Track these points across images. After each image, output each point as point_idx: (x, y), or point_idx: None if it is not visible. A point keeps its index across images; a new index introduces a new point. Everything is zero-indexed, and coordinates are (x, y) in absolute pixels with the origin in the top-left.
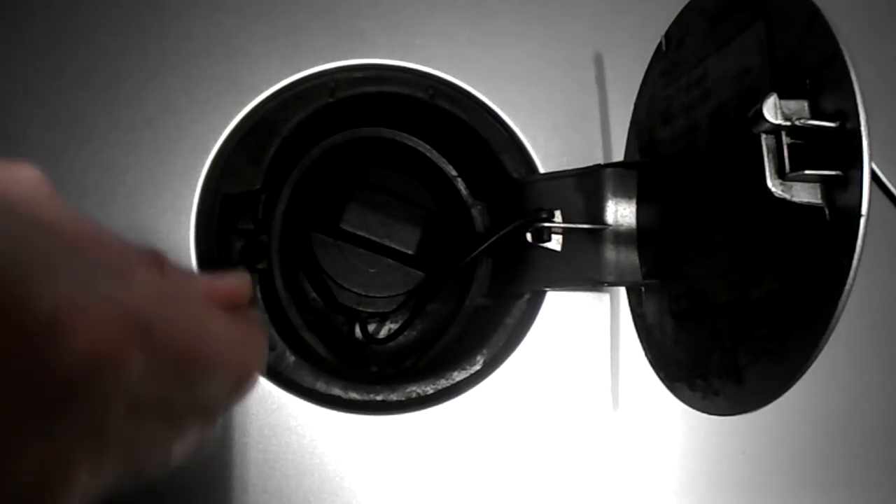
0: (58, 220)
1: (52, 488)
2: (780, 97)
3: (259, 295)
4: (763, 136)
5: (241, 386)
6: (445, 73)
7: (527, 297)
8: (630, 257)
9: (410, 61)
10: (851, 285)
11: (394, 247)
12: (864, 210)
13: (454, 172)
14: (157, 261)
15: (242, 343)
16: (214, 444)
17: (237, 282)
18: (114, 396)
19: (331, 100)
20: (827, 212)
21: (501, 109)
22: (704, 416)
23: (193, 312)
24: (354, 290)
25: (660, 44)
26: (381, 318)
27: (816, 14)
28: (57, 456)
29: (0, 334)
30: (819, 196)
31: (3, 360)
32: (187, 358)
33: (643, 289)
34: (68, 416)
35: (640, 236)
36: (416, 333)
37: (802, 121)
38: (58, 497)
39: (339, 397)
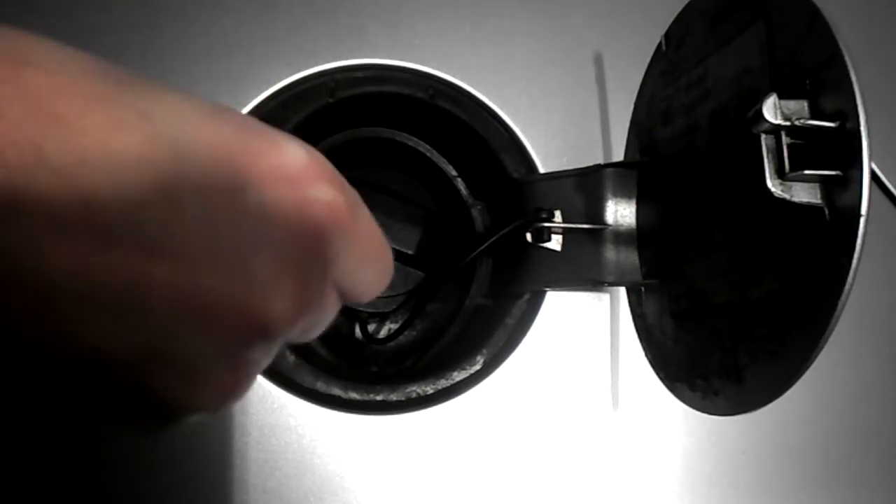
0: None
1: (279, 323)
2: (780, 97)
3: None
4: (763, 136)
5: (381, 281)
6: (445, 73)
7: (527, 297)
8: (630, 257)
9: (410, 61)
10: (851, 285)
11: (394, 247)
12: (863, 210)
13: (454, 172)
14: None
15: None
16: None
17: None
18: (326, 251)
19: (331, 100)
20: (827, 212)
21: (501, 109)
22: (705, 416)
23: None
24: None
25: (660, 44)
26: (381, 318)
27: (816, 14)
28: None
29: (253, 187)
30: (819, 196)
31: (262, 214)
32: (372, 241)
33: (643, 289)
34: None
35: (640, 236)
36: (416, 333)
37: (802, 121)
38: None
39: (339, 397)
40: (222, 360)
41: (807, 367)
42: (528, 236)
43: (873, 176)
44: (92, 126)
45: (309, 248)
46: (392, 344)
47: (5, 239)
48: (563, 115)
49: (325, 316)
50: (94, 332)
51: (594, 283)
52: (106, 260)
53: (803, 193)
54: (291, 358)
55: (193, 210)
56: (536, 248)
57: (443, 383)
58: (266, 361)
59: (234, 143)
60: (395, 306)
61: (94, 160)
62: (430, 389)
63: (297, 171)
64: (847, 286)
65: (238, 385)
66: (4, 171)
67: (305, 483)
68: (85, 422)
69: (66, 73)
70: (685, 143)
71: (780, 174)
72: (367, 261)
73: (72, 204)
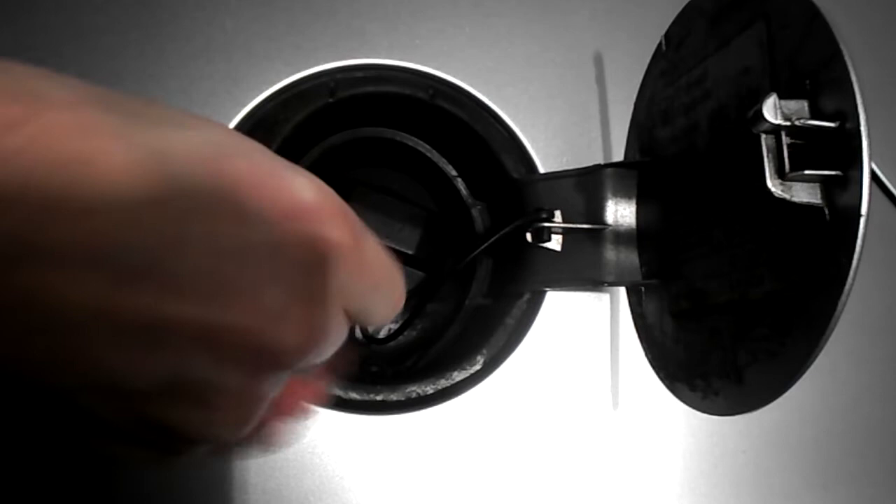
0: None
1: (304, 346)
2: (780, 97)
3: None
4: (763, 136)
5: (391, 307)
6: (445, 73)
7: (527, 297)
8: (630, 257)
9: (410, 61)
10: (851, 285)
11: (394, 247)
12: (863, 210)
13: (454, 172)
14: None
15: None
16: None
17: None
18: (334, 283)
19: (331, 100)
20: (827, 212)
21: (501, 109)
22: (705, 415)
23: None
24: None
25: (660, 44)
26: None
27: (816, 14)
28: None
29: (263, 223)
30: (819, 196)
31: (271, 245)
32: (379, 269)
33: (643, 289)
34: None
35: (640, 236)
36: (416, 333)
37: (802, 121)
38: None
39: (339, 397)
40: (235, 391)
41: (807, 367)
42: (528, 236)
43: (873, 176)
44: (105, 170)
45: (317, 281)
46: (392, 344)
47: (24, 281)
48: (563, 115)
49: (335, 342)
50: (108, 364)
51: (594, 283)
52: (121, 298)
53: (803, 193)
54: None
55: (203, 247)
56: (536, 248)
57: (443, 383)
58: (278, 390)
59: (244, 179)
60: None
61: (106, 204)
62: (430, 389)
63: (305, 207)
64: (847, 286)
65: (250, 415)
66: (15, 219)
67: (305, 483)
68: (101, 450)
69: (77, 108)
70: (685, 143)
71: (781, 174)
72: (376, 290)
73: (85, 247)
